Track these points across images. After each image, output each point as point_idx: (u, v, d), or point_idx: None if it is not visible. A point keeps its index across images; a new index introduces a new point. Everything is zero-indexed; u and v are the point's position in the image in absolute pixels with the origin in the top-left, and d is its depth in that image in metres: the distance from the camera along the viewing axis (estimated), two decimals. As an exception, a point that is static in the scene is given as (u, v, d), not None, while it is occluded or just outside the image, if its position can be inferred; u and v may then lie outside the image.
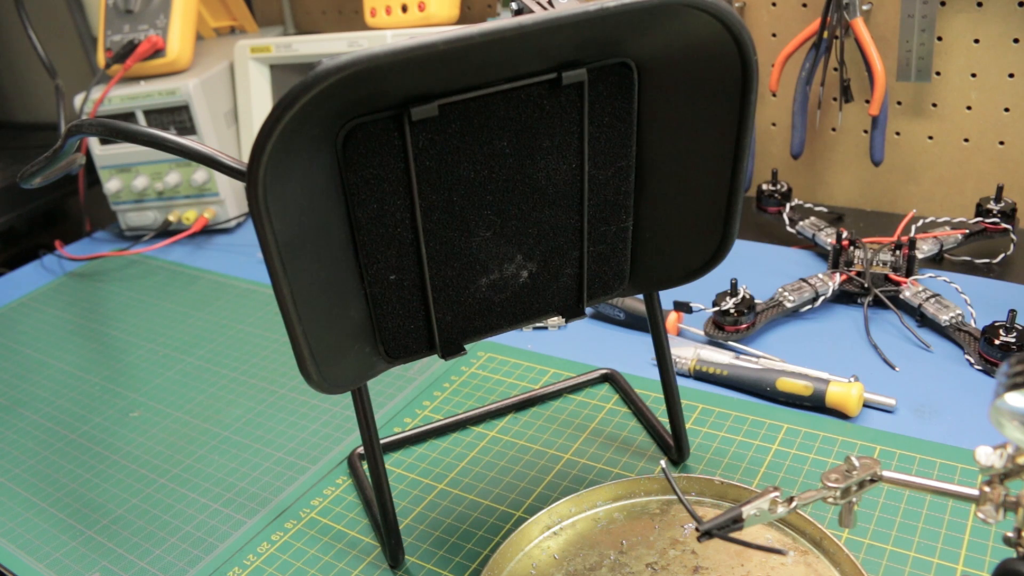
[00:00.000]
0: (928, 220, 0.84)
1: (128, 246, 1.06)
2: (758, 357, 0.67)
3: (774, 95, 0.95)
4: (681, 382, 0.67)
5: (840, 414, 0.62)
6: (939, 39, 0.84)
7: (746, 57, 0.43)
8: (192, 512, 0.61)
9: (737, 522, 0.39)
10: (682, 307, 0.72)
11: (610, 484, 0.55)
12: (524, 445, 0.63)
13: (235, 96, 1.06)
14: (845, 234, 0.76)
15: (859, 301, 0.74)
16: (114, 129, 0.50)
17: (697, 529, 0.39)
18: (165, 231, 1.07)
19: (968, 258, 0.80)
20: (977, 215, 0.81)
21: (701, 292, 0.76)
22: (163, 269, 1.00)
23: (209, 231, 1.07)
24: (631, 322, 0.76)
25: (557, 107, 0.46)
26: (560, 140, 0.47)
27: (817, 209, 0.90)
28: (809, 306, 0.74)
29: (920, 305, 0.70)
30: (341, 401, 0.71)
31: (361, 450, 0.64)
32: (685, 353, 0.68)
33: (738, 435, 0.61)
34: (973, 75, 0.84)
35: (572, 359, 0.72)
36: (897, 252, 0.75)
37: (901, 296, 0.72)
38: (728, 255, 0.50)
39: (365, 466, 0.63)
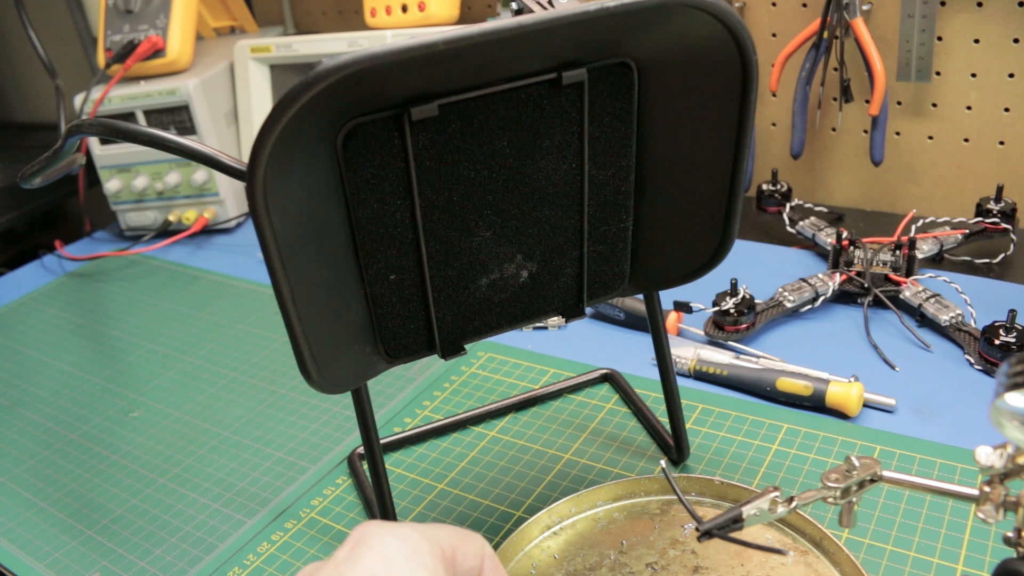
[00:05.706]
0: (928, 220, 0.84)
1: (128, 246, 1.06)
2: (758, 357, 0.67)
3: (774, 95, 0.95)
4: (681, 382, 0.67)
5: (840, 414, 0.62)
6: (939, 39, 0.84)
7: (746, 57, 0.43)
8: (192, 512, 0.61)
9: (737, 522, 0.39)
10: (682, 307, 0.72)
11: (610, 484, 0.55)
12: (524, 445, 0.63)
13: (235, 96, 1.06)
14: (845, 234, 0.76)
15: (859, 301, 0.74)
16: (114, 129, 0.50)
17: (697, 529, 0.39)
18: (165, 231, 1.07)
19: (968, 258, 0.80)
20: (977, 215, 0.81)
21: (701, 292, 0.76)
22: (163, 269, 1.00)
23: (209, 231, 1.07)
24: (631, 322, 0.76)
25: (557, 107, 0.46)
26: (560, 140, 0.47)
27: (817, 209, 0.90)
28: (809, 306, 0.74)
29: (920, 305, 0.70)
30: (341, 401, 0.71)
31: (361, 450, 0.64)
32: (685, 353, 0.68)
33: (738, 435, 0.61)
34: (973, 75, 0.84)
35: (572, 359, 0.72)
36: (897, 252, 0.75)
37: (901, 296, 0.72)
38: (728, 255, 0.50)
39: (365, 466, 0.63)
